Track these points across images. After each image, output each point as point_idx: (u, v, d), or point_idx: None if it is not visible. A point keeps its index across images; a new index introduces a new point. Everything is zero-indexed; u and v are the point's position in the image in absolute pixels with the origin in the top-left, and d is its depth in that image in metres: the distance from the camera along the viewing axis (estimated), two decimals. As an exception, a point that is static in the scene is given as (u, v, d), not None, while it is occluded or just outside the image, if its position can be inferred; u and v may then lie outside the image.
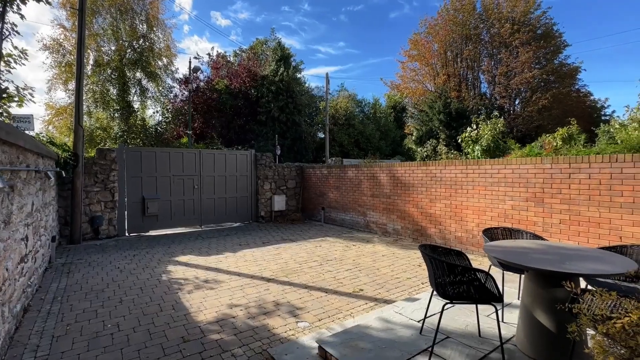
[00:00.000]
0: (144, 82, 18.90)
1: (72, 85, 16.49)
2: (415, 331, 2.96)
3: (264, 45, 21.85)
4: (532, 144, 12.57)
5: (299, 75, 19.84)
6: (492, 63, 26.26)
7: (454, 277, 2.55)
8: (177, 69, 34.00)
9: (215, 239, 7.69)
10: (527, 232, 3.59)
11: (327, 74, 19.13)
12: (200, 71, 17.08)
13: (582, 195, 4.72)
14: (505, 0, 25.69)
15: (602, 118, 25.85)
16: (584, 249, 2.93)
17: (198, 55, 22.02)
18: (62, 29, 16.86)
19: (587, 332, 1.78)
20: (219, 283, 4.68)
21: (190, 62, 17.09)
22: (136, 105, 18.88)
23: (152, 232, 8.45)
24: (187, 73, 17.31)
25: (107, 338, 3.16)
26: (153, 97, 19.54)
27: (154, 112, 20.45)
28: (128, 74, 17.98)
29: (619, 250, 2.92)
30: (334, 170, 9.64)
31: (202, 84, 18.04)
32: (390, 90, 31.27)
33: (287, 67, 17.96)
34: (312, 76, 76.96)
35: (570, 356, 2.08)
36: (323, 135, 21.04)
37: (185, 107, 17.15)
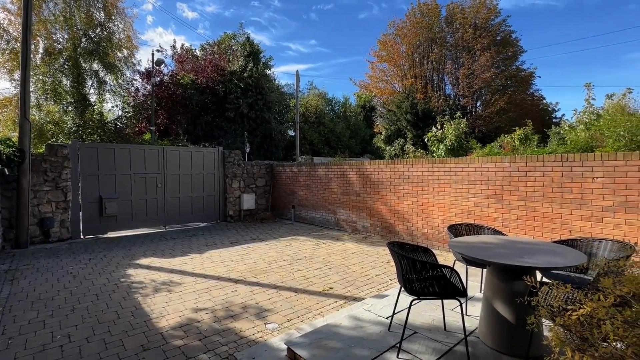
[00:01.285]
0: (101, 74, 17.68)
1: (18, 75, 15.09)
2: (384, 328, 2.99)
3: (233, 40, 21.24)
4: (492, 143, 13.27)
5: (268, 72, 19.52)
6: (456, 66, 27.44)
7: (421, 274, 2.60)
8: (140, 61, 32.32)
9: (180, 240, 7.37)
10: (488, 227, 3.76)
11: (297, 71, 19.03)
12: (164, 64, 16.30)
13: (537, 192, 5.02)
14: (470, 7, 26.89)
15: (554, 120, 27.85)
16: (539, 243, 3.10)
17: (161, 47, 21.02)
18: (6, 13, 15.36)
19: (544, 322, 1.87)
20: (183, 286, 4.47)
21: (152, 54, 16.18)
22: (93, 98, 17.65)
23: (111, 234, 7.94)
24: (150, 66, 16.44)
25: (55, 351, 2.90)
26: (112, 90, 18.34)
27: (113, 107, 19.24)
28: (83, 64, 16.74)
29: (570, 243, 3.12)
30: (304, 168, 9.58)
31: (166, 77, 17.20)
32: (360, 90, 31.74)
33: (256, 63, 17.60)
34: (282, 73, 76.28)
35: (529, 346, 2.19)
36: (293, 133, 20.89)
37: (148, 102, 16.29)
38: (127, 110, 17.33)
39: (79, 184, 7.50)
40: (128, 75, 18.59)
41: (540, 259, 2.48)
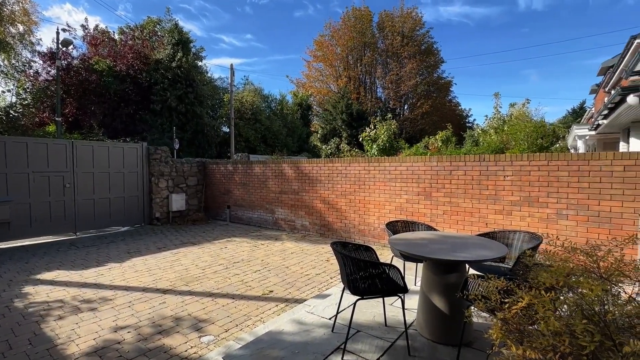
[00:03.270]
0: (-13, 51, 14.72)
1: None
2: (327, 329, 2.94)
3: (158, 26, 19.41)
4: (418, 144, 14.38)
5: (200, 64, 18.32)
6: (386, 70, 29.19)
7: (364, 272, 2.61)
8: (40, 40, 27.69)
9: (95, 248, 6.44)
10: (422, 223, 3.98)
11: (231, 64, 18.20)
12: (72, 46, 14.12)
13: (460, 189, 5.51)
14: (398, 16, 28.77)
15: (467, 124, 31.41)
16: (467, 236, 3.37)
17: (69, 26, 18.19)
18: None
19: (472, 310, 1.99)
20: (99, 302, 3.88)
21: (57, 33, 13.87)
22: (-25, 80, 14.59)
23: (1, 245, 6.60)
24: (55, 47, 14.13)
25: None
26: (2, 72, 15.39)
27: (4, 91, 16.12)
28: (-39, 38, 13.73)
29: (491, 235, 3.45)
30: (240, 166, 9.17)
31: (76, 61, 14.97)
32: (296, 88, 31.76)
33: (186, 53, 16.34)
34: (215, 66, 72.58)
35: (462, 335, 2.34)
36: (228, 130, 19.95)
37: (52, 88, 13.99)
38: (23, 97, 14.70)
39: (-46, 185, 6.08)
40: (25, 55, 15.79)
41: (473, 253, 2.68)
